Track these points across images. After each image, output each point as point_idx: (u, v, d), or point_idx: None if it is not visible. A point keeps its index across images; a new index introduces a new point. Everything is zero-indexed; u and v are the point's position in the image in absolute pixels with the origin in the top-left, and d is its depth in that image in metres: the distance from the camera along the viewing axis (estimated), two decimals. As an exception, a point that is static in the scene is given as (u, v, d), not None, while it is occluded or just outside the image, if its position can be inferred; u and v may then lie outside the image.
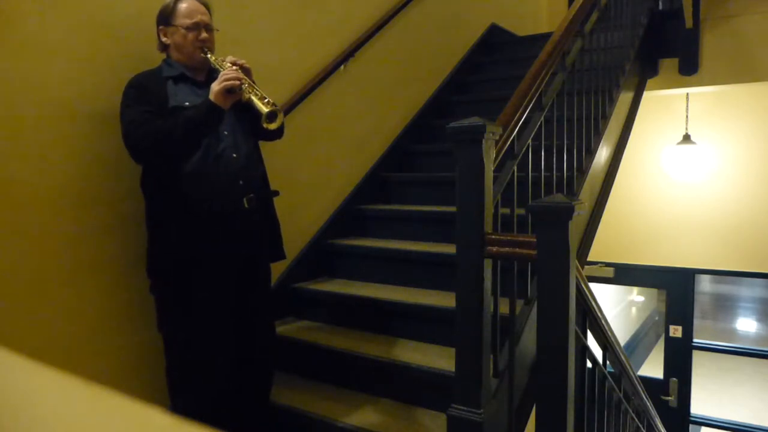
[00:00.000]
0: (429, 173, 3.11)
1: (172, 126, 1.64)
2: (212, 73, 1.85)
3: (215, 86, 1.68)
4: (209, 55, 1.81)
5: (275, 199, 1.97)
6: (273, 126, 1.70)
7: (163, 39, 1.82)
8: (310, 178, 2.76)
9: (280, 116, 1.71)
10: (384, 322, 2.31)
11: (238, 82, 1.69)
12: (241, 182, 1.79)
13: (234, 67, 1.74)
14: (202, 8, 1.83)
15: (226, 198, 1.76)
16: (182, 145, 1.68)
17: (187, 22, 1.78)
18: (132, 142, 1.66)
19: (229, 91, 1.68)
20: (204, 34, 1.81)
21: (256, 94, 1.71)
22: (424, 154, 3.27)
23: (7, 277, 1.64)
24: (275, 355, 2.02)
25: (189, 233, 1.70)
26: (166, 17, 1.80)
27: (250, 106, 1.73)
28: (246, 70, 1.78)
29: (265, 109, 1.67)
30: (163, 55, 1.86)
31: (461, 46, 4.03)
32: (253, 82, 1.76)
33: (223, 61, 1.80)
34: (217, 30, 1.89)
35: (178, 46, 1.80)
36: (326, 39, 2.85)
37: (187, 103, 1.73)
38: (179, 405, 1.77)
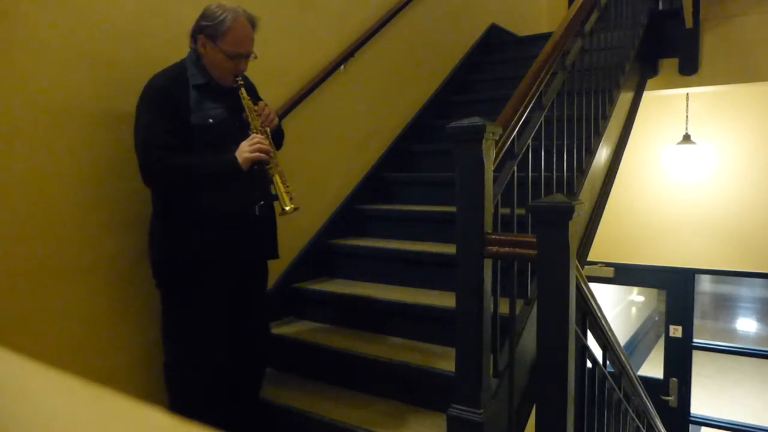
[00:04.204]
0: (429, 173, 3.11)
1: (191, 169, 1.68)
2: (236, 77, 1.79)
3: (246, 152, 1.68)
4: (243, 91, 1.75)
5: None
6: (286, 213, 1.73)
7: (200, 49, 1.74)
8: (309, 177, 2.76)
9: (292, 207, 1.72)
10: (384, 322, 2.31)
11: (266, 157, 1.70)
12: (256, 192, 1.81)
13: (265, 136, 1.73)
14: (252, 34, 1.75)
15: (240, 204, 1.77)
16: (192, 186, 1.71)
17: (233, 51, 1.71)
18: (147, 175, 1.70)
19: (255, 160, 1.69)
20: (243, 65, 1.75)
21: (281, 175, 1.73)
22: (424, 154, 3.27)
23: (7, 277, 1.64)
24: (269, 353, 2.08)
25: (204, 237, 1.72)
26: (212, 32, 1.70)
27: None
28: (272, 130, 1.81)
29: (286, 207, 1.70)
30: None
31: (461, 46, 4.03)
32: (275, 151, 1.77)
33: (257, 108, 1.77)
34: (255, 57, 1.79)
35: (212, 65, 1.74)
36: (326, 39, 2.85)
37: (210, 120, 1.72)
38: (178, 398, 1.79)
